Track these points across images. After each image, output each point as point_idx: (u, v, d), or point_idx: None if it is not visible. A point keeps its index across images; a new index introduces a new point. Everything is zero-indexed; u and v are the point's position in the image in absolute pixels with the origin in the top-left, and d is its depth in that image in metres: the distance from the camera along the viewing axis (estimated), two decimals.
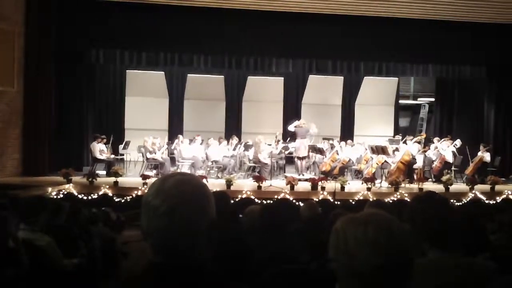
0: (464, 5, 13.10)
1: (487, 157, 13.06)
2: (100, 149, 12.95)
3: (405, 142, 13.45)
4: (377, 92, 17.41)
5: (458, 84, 16.44)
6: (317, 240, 3.31)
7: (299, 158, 13.42)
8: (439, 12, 13.49)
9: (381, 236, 1.31)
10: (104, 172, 12.42)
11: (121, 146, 14.02)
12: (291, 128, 13.68)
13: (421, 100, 20.14)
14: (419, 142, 13.47)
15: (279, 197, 10.02)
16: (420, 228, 2.11)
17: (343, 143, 14.30)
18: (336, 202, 10.13)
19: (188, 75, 16.78)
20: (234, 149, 13.92)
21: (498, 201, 11.01)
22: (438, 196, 2.34)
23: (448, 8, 13.27)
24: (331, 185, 11.11)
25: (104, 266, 4.71)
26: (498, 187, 11.63)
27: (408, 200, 10.51)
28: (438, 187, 11.58)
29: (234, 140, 14.49)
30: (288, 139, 14.56)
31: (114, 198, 10.38)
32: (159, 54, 14.09)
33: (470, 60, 14.77)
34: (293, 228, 3.96)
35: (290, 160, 14.64)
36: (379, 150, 12.29)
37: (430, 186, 12.14)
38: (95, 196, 10.37)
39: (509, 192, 11.32)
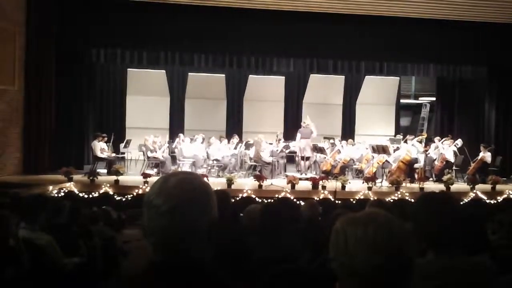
0: (466, 5, 13.08)
1: (488, 157, 13.05)
2: (101, 148, 12.95)
3: (406, 142, 13.44)
4: (378, 92, 17.41)
5: (459, 84, 16.43)
6: (317, 239, 3.32)
7: (303, 158, 13.40)
8: (440, 12, 13.47)
9: (381, 236, 1.30)
10: (105, 171, 12.42)
11: (122, 145, 14.02)
12: (298, 139, 13.61)
13: (422, 100, 20.14)
14: (420, 142, 13.46)
15: (279, 196, 10.01)
16: (422, 227, 2.11)
17: (344, 142, 14.30)
18: (337, 202, 10.13)
19: (189, 74, 16.79)
20: (235, 148, 13.93)
21: (499, 200, 11.00)
22: (444, 196, 2.34)
23: (449, 8, 13.24)
24: (332, 184, 11.10)
25: (104, 265, 4.71)
26: (499, 187, 11.63)
27: (409, 199, 10.53)
28: (439, 187, 11.59)
29: (235, 139, 14.49)
30: (290, 141, 14.56)
31: (115, 196, 10.39)
32: (160, 53, 14.10)
33: (471, 60, 14.77)
34: (293, 228, 3.96)
35: (291, 159, 14.64)
36: (380, 149, 12.29)
37: (431, 185, 12.14)
38: (96, 195, 10.38)
39: (510, 192, 11.32)
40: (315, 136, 13.61)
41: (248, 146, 13.60)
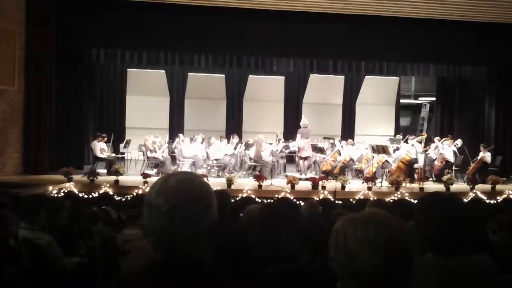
0: (466, 5, 13.08)
1: (488, 157, 13.05)
2: (101, 148, 12.96)
3: (406, 142, 13.44)
4: (378, 92, 17.41)
5: (459, 84, 16.44)
6: (317, 239, 3.32)
7: (302, 158, 13.40)
8: (440, 12, 13.47)
9: (381, 236, 1.31)
10: (105, 171, 12.43)
11: (122, 145, 14.03)
12: (298, 139, 13.57)
13: (422, 100, 20.14)
14: (420, 142, 13.47)
15: (279, 196, 10.00)
16: (422, 227, 2.11)
17: (344, 142, 14.30)
18: (336, 202, 10.13)
19: (189, 74, 16.80)
20: (235, 148, 13.93)
21: (499, 200, 11.00)
22: (444, 196, 2.34)
23: (449, 8, 13.24)
24: (332, 184, 11.10)
25: (104, 265, 4.71)
26: (498, 187, 11.64)
27: (409, 199, 10.55)
28: (439, 187, 11.59)
29: (235, 139, 14.49)
30: (289, 141, 14.56)
31: (115, 196, 10.39)
32: (159, 53, 14.09)
33: (471, 60, 14.78)
34: (293, 228, 3.95)
35: (291, 159, 14.64)
36: (380, 149, 12.29)
37: (431, 185, 12.13)
38: (96, 195, 10.38)
39: (510, 192, 11.32)
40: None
41: (248, 146, 13.61)
